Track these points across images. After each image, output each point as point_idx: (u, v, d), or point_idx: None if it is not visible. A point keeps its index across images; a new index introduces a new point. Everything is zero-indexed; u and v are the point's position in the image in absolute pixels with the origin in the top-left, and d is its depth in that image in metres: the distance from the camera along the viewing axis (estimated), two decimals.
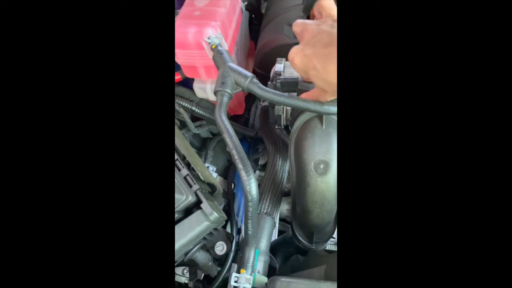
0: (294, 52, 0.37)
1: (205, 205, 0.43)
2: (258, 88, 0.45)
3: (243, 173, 0.38)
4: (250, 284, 0.41)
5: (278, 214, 0.74)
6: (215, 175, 0.72)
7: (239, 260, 0.47)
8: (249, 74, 0.45)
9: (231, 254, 0.59)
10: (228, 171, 0.77)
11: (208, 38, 0.51)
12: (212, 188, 0.50)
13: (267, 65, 0.64)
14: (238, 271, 0.43)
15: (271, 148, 0.69)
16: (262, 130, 0.75)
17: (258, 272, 0.49)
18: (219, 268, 0.61)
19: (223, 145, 0.78)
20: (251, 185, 0.38)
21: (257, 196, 0.39)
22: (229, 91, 0.45)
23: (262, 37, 0.70)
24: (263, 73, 0.73)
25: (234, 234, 0.62)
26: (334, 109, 0.43)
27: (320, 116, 0.49)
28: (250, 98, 0.90)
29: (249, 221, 0.41)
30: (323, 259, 0.53)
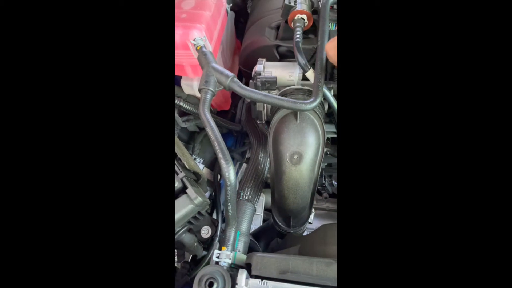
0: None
1: (190, 190, 0.48)
2: (238, 87, 0.50)
3: (222, 162, 0.44)
4: (230, 259, 0.47)
5: (262, 202, 0.80)
6: (201, 166, 0.77)
7: (221, 240, 0.52)
8: (230, 74, 0.51)
9: (216, 238, 0.65)
10: (215, 163, 0.82)
11: (194, 40, 0.56)
12: (197, 176, 0.55)
13: (250, 64, 0.69)
14: (220, 249, 0.48)
15: (254, 142, 0.74)
16: (247, 125, 0.80)
17: (239, 251, 0.54)
18: (205, 252, 0.67)
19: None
20: (230, 172, 0.44)
21: (235, 181, 0.45)
22: (212, 89, 0.50)
23: (246, 38, 0.74)
24: (248, 71, 0.78)
25: (219, 220, 0.67)
26: (305, 106, 0.49)
27: (295, 112, 0.55)
28: (237, 94, 0.95)
29: (229, 203, 0.47)
30: (297, 240, 0.60)
